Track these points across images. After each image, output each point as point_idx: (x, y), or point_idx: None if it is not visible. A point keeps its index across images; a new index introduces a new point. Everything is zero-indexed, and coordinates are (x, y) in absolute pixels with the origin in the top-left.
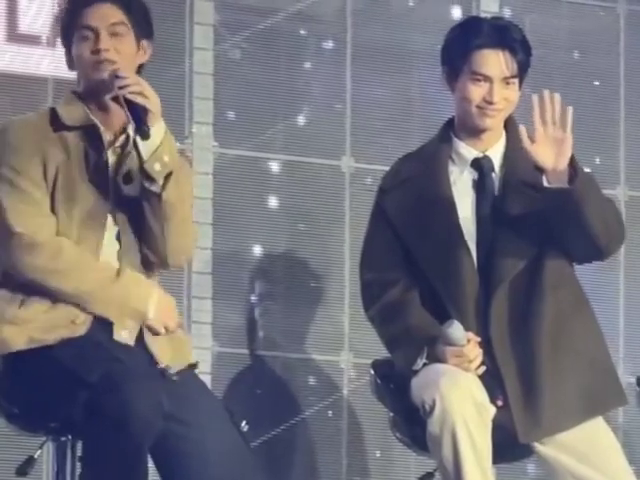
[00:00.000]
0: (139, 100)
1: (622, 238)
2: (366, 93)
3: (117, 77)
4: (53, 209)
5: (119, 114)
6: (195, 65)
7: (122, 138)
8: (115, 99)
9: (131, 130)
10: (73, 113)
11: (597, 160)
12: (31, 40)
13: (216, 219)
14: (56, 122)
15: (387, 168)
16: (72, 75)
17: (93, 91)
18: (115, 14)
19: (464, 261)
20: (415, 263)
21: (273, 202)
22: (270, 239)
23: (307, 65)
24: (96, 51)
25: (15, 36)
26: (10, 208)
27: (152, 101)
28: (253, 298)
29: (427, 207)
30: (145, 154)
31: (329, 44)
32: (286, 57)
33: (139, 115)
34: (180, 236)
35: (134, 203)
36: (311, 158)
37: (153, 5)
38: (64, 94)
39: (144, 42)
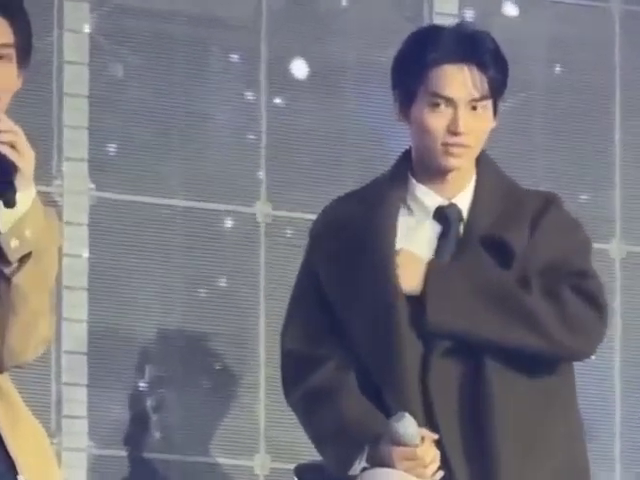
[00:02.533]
0: (8, 153)
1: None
2: (286, 121)
3: None
4: None
5: None
6: (66, 84)
7: None
8: None
9: None
10: None
11: (583, 197)
12: None
13: (92, 283)
14: None
15: (313, 217)
16: None
17: None
18: (4, 30)
19: (404, 338)
20: (348, 335)
21: (166, 261)
22: (163, 309)
23: (211, 84)
24: None
25: None
26: None
27: (25, 159)
28: (142, 385)
29: (364, 263)
30: (2, 225)
31: (239, 57)
32: (183, 73)
33: (6, 171)
34: (24, 336)
35: None
36: (215, 204)
37: None
38: None
39: (21, 70)
